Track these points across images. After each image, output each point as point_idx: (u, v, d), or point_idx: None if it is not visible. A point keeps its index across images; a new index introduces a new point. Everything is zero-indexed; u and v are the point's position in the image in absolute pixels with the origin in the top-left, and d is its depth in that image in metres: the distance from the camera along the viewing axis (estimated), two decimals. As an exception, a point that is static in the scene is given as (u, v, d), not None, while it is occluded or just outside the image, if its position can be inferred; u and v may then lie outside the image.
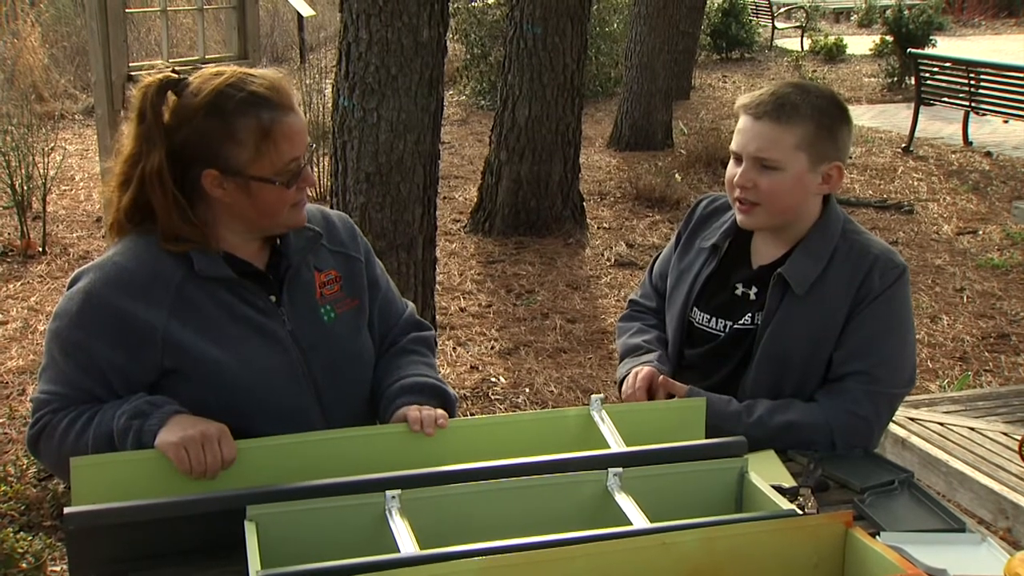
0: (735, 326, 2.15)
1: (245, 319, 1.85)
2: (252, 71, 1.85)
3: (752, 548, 1.50)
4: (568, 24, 7.14)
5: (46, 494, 3.63)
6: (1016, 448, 3.11)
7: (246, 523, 1.47)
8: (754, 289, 2.14)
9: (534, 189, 7.35)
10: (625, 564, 1.44)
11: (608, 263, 6.85)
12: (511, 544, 1.44)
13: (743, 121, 2.08)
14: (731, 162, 2.12)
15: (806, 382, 2.10)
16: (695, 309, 2.20)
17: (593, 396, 1.89)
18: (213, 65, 1.95)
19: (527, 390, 4.93)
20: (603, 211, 8.10)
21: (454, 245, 7.16)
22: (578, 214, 7.56)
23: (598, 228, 7.63)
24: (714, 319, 2.18)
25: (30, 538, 3.34)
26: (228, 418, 1.76)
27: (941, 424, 3.37)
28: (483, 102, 12.74)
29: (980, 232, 7.49)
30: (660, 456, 1.70)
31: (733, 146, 2.10)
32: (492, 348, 5.43)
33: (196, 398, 1.80)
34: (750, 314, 2.13)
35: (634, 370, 2.14)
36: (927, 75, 10.36)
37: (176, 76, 1.83)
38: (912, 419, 3.35)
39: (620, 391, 2.19)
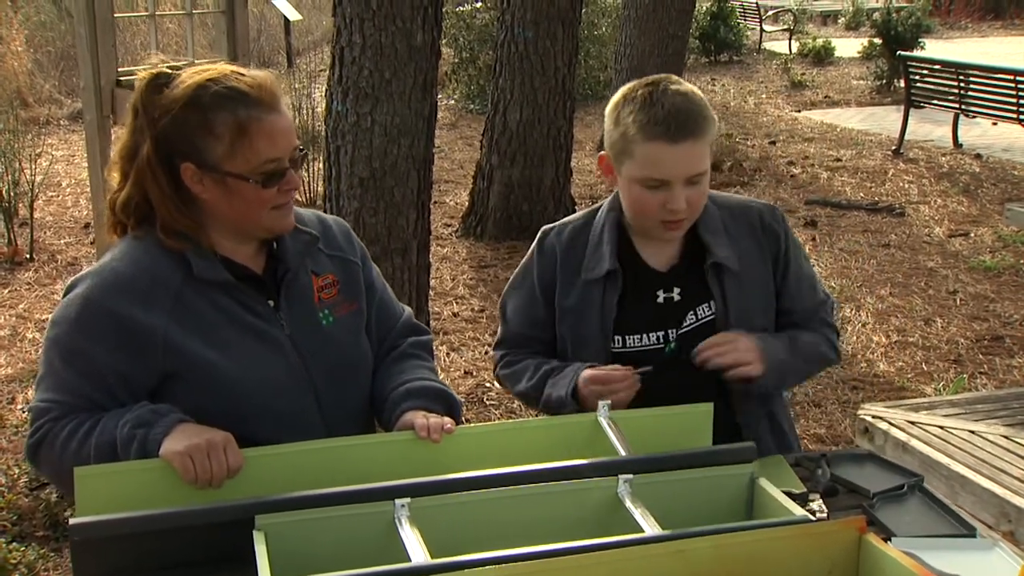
0: (686, 328, 2.09)
1: (244, 323, 1.84)
2: (243, 69, 1.84)
3: (766, 555, 1.48)
4: (559, 28, 7.13)
5: (38, 504, 3.59)
6: None
7: (255, 533, 1.45)
8: (676, 290, 2.11)
9: (526, 193, 7.33)
10: (639, 572, 1.42)
11: (601, 267, 6.83)
12: (523, 552, 1.41)
13: (658, 148, 1.96)
14: (640, 190, 2.01)
15: None
16: (617, 338, 2.11)
17: (600, 402, 1.87)
18: (208, 62, 1.94)
19: (522, 395, 4.90)
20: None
21: (446, 250, 7.13)
22: (570, 218, 7.54)
23: (590, 232, 7.61)
24: (645, 335, 2.11)
25: (23, 548, 3.31)
26: (227, 423, 1.74)
27: (941, 427, 3.36)
28: (472, 106, 12.73)
29: (972, 234, 7.51)
30: (670, 462, 1.68)
31: (653, 174, 1.98)
32: (486, 353, 5.40)
33: (195, 403, 1.78)
34: (692, 312, 2.10)
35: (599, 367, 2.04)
36: (916, 78, 10.40)
37: (169, 71, 1.82)
38: (912, 423, 3.34)
39: (557, 408, 2.07)
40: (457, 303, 6.14)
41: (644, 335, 2.11)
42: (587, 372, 2.01)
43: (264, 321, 1.86)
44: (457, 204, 8.18)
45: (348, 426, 1.90)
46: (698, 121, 1.98)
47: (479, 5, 13.37)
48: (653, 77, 2.06)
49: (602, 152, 2.10)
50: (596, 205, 2.23)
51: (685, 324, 2.10)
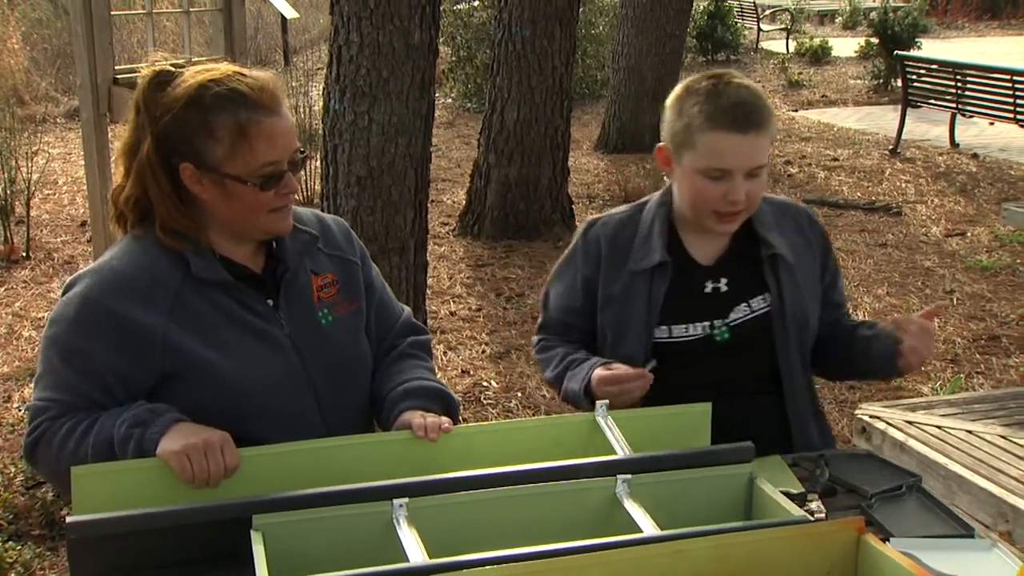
0: (739, 319, 2.13)
1: (243, 323, 1.84)
2: (245, 70, 1.84)
3: (765, 556, 1.48)
4: (556, 27, 7.13)
5: (35, 503, 3.58)
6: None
7: (253, 533, 1.44)
8: (723, 280, 2.15)
9: (523, 192, 7.33)
10: (637, 572, 1.42)
11: (598, 266, 6.83)
12: (522, 553, 1.41)
13: (723, 138, 2.00)
14: (701, 181, 2.05)
15: (812, 342, 2.23)
16: (663, 328, 2.14)
17: (598, 402, 1.87)
18: (210, 60, 1.93)
19: (519, 394, 4.90)
20: (592, 214, 8.07)
21: (443, 249, 7.13)
22: (567, 217, 7.55)
23: (587, 231, 7.61)
24: (691, 326, 2.14)
25: (19, 547, 3.31)
26: (226, 423, 1.74)
27: (939, 427, 3.36)
28: (470, 105, 12.74)
29: (969, 234, 7.51)
30: (669, 461, 1.68)
31: (716, 164, 2.02)
32: (483, 352, 5.40)
33: (194, 402, 1.78)
34: (744, 304, 2.14)
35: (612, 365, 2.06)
36: (913, 77, 10.40)
37: (171, 69, 1.82)
38: (910, 422, 3.35)
39: (574, 401, 2.12)
40: (454, 302, 6.14)
41: (690, 325, 2.14)
42: (599, 373, 2.02)
43: (263, 321, 1.85)
44: (454, 203, 8.18)
45: (347, 426, 1.90)
46: (762, 113, 2.03)
47: (476, 3, 13.37)
48: (716, 71, 2.10)
49: (660, 144, 2.14)
50: (642, 200, 2.27)
51: (736, 315, 2.14)
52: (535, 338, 2.34)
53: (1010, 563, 1.68)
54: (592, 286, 2.20)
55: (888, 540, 1.70)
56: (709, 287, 2.15)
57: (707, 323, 2.14)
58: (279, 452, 1.72)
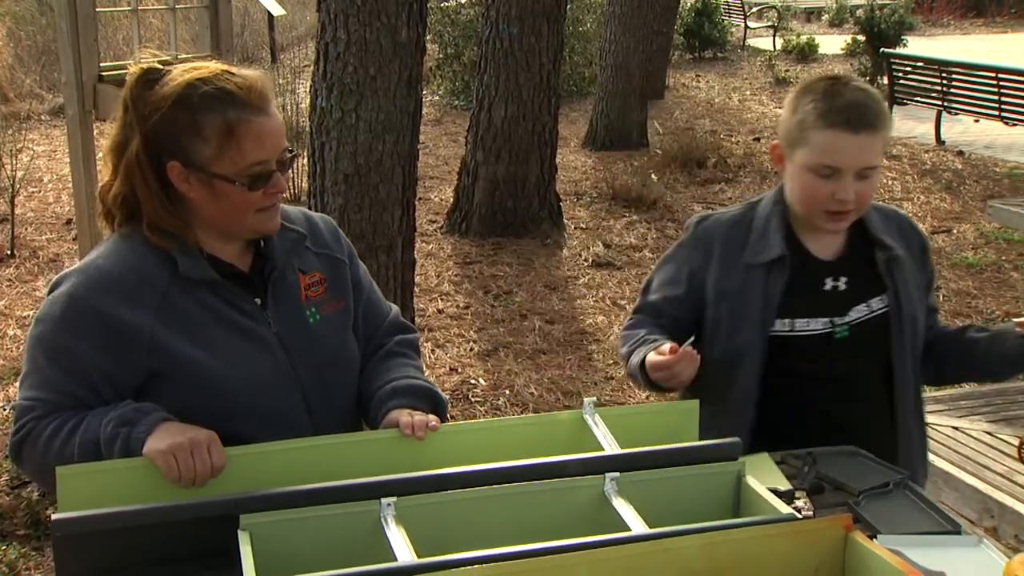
0: (859, 318, 2.16)
1: (230, 322, 1.83)
2: (234, 68, 1.83)
3: (753, 553, 1.48)
4: (544, 24, 7.13)
5: (20, 502, 3.57)
6: (1016, 454, 3.11)
7: (240, 533, 1.44)
8: (843, 279, 2.17)
9: (511, 189, 7.33)
10: (626, 571, 1.42)
11: (586, 264, 6.84)
12: (511, 551, 1.41)
13: (836, 137, 2.03)
14: (812, 178, 2.07)
15: (921, 345, 2.25)
16: (786, 321, 2.16)
17: (586, 399, 1.87)
18: (198, 59, 1.92)
19: (507, 392, 4.91)
20: (580, 211, 8.10)
21: (431, 246, 7.13)
22: (555, 214, 7.56)
23: (575, 228, 7.63)
24: (812, 320, 2.16)
25: (4, 547, 3.29)
26: (214, 422, 1.73)
27: (925, 424, 3.37)
28: (457, 102, 12.73)
29: (954, 231, 7.55)
30: (657, 458, 1.68)
31: (827, 161, 2.04)
32: (471, 350, 5.40)
33: (181, 402, 1.77)
34: (864, 303, 2.16)
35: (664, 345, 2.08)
36: (900, 75, 10.45)
37: (160, 66, 1.81)
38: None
39: (637, 375, 2.13)
40: (442, 300, 6.14)
41: (811, 320, 2.15)
42: (651, 359, 2.05)
43: (251, 319, 1.85)
44: (442, 200, 8.17)
45: (335, 425, 1.89)
46: (877, 115, 2.05)
47: (463, 1, 13.35)
48: (835, 74, 2.12)
49: (775, 141, 2.17)
50: (752, 199, 2.29)
51: (855, 314, 2.16)
52: (628, 318, 2.37)
53: (996, 559, 1.69)
54: (697, 279, 2.22)
55: (875, 537, 1.70)
56: (829, 285, 2.17)
57: (828, 319, 2.15)
58: (266, 451, 1.71)
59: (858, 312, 2.16)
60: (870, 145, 2.04)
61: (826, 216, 2.10)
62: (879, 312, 2.17)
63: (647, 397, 4.83)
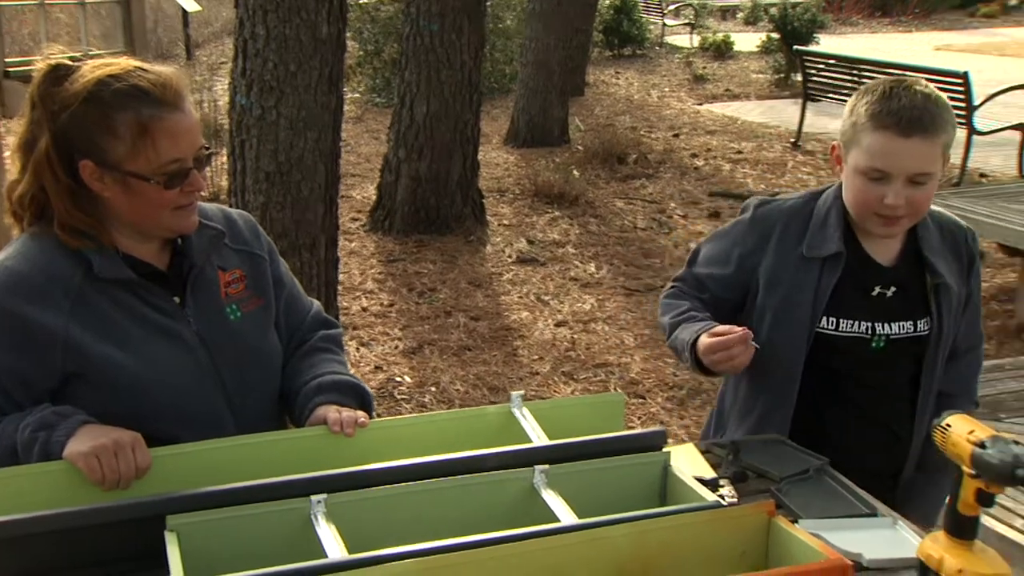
0: (898, 335, 2.13)
1: (148, 321, 1.80)
2: (148, 65, 1.80)
3: (680, 540, 1.51)
4: (465, 21, 7.13)
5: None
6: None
7: (167, 534, 1.42)
8: (892, 289, 2.13)
9: (434, 187, 7.32)
10: (556, 562, 1.44)
11: (510, 260, 6.87)
12: (441, 545, 1.42)
13: (886, 140, 1.98)
14: (862, 181, 2.03)
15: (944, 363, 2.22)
16: (825, 319, 2.13)
17: (513, 393, 1.88)
18: (109, 55, 1.89)
19: (433, 389, 4.90)
20: (503, 208, 8.12)
21: (353, 244, 7.08)
22: (478, 211, 7.57)
23: (498, 225, 7.64)
24: (856, 323, 2.13)
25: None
26: (135, 423, 1.70)
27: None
28: (377, 99, 12.66)
29: (867, 224, 7.74)
30: (585, 449, 1.70)
31: (876, 164, 2.00)
32: (396, 347, 5.39)
33: (101, 404, 1.74)
34: (909, 322, 2.13)
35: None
36: (813, 72, 10.67)
37: (68, 63, 1.77)
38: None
39: (686, 352, 2.09)
40: (366, 298, 6.11)
41: (856, 322, 2.13)
42: (705, 340, 2.01)
43: (170, 318, 1.82)
44: (364, 198, 8.12)
45: (258, 422, 1.88)
46: (933, 120, 1.98)
47: (383, -3, 13.27)
48: (899, 78, 2.07)
49: (835, 141, 2.13)
50: (815, 189, 2.23)
51: (899, 329, 2.13)
52: (669, 284, 2.32)
53: (910, 539, 1.75)
54: (749, 263, 2.19)
55: (797, 521, 1.75)
56: (876, 291, 2.13)
57: (869, 324, 2.12)
58: (192, 451, 1.69)
59: (902, 328, 2.13)
60: (922, 151, 1.98)
61: (877, 220, 2.06)
62: (920, 335, 2.14)
63: (572, 392, 4.88)
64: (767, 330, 2.15)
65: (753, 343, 1.99)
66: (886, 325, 2.12)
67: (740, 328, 1.99)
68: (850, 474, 1.97)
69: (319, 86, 4.22)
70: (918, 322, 2.13)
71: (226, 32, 16.67)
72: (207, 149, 1.82)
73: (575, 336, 5.58)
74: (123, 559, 1.47)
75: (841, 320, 2.13)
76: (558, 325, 5.74)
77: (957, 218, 2.23)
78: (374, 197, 7.68)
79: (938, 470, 2.14)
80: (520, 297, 6.18)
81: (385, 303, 6.04)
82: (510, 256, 6.93)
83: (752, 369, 2.08)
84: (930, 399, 2.18)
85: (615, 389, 4.87)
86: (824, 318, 2.12)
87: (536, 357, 5.30)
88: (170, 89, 1.75)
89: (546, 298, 6.16)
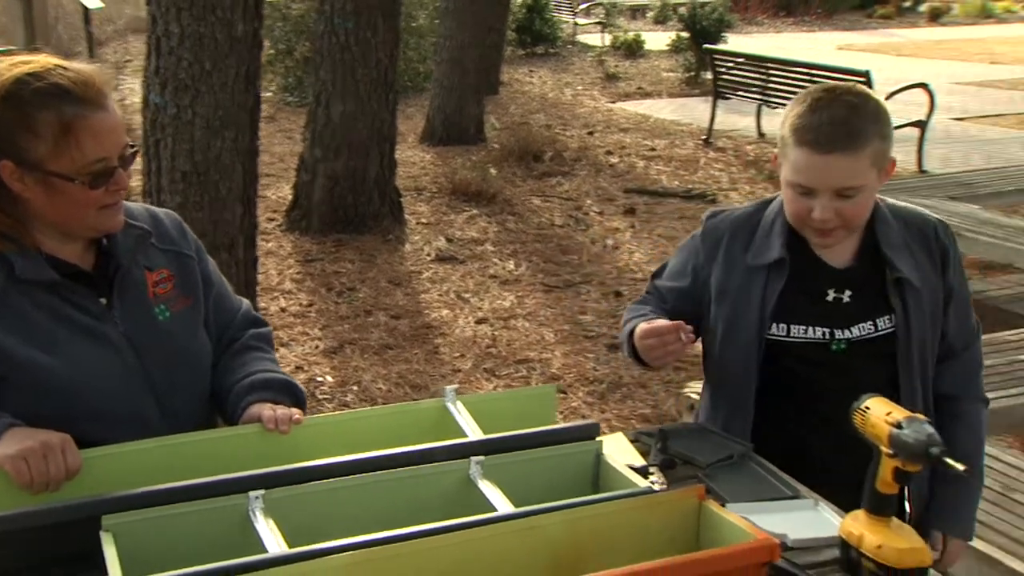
0: (858, 336, 2.09)
1: (74, 323, 1.78)
2: (67, 63, 1.77)
3: (614, 526, 1.55)
4: (380, 19, 7.11)
5: None
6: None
7: (103, 534, 1.41)
8: (847, 292, 2.10)
9: (351, 186, 7.28)
10: (494, 550, 1.46)
11: (428, 258, 6.87)
12: (380, 537, 1.43)
13: (806, 156, 1.95)
14: (792, 193, 2.02)
15: (933, 364, 2.16)
16: (776, 325, 2.10)
17: (447, 387, 1.90)
18: (26, 52, 1.85)
19: (355, 388, 4.89)
20: (420, 207, 8.11)
21: (270, 244, 7.01)
22: (396, 210, 7.55)
23: (416, 224, 7.64)
24: (810, 328, 2.09)
25: None
26: (64, 425, 1.68)
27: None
28: (290, 98, 12.52)
29: (777, 219, 7.93)
30: (520, 441, 1.73)
31: (799, 180, 1.98)
32: (316, 347, 5.36)
33: (28, 407, 1.71)
34: (870, 322, 2.09)
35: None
36: (722, 70, 10.88)
37: None
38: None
39: (624, 345, 2.13)
40: (284, 298, 6.05)
41: (810, 328, 2.09)
42: (642, 326, 2.01)
43: (97, 319, 1.80)
44: (279, 198, 8.04)
45: (188, 422, 1.87)
46: (854, 134, 1.94)
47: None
48: (836, 84, 2.03)
49: (776, 150, 2.10)
50: (767, 198, 2.22)
51: (859, 331, 2.09)
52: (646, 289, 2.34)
53: (831, 519, 1.82)
54: (702, 275, 2.19)
55: (725, 505, 1.79)
56: (831, 296, 2.10)
57: (827, 329, 2.08)
58: (124, 452, 1.67)
59: (862, 330, 2.09)
60: (845, 165, 1.94)
61: (811, 231, 2.05)
62: (885, 332, 2.09)
63: (494, 388, 4.91)
64: (720, 340, 2.15)
65: (690, 335, 1.99)
66: (845, 329, 2.09)
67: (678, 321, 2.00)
68: (817, 482, 1.95)
69: (236, 85, 4.18)
70: (878, 320, 2.09)
71: (130, 30, 16.28)
72: (131, 147, 1.80)
73: (496, 333, 5.61)
74: (57, 563, 1.45)
75: (792, 326, 2.10)
76: (479, 322, 5.77)
77: (924, 211, 2.19)
78: (290, 197, 7.61)
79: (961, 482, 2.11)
80: (440, 295, 6.19)
81: (304, 303, 6.00)
82: (429, 254, 6.93)
83: (711, 380, 2.13)
84: (916, 399, 2.11)
85: (537, 384, 4.91)
86: (774, 325, 2.10)
87: (457, 354, 5.32)
88: (92, 87, 1.73)
89: (466, 296, 6.19)
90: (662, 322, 2.00)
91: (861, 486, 1.64)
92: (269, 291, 6.10)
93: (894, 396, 1.97)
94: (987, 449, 2.62)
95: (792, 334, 2.10)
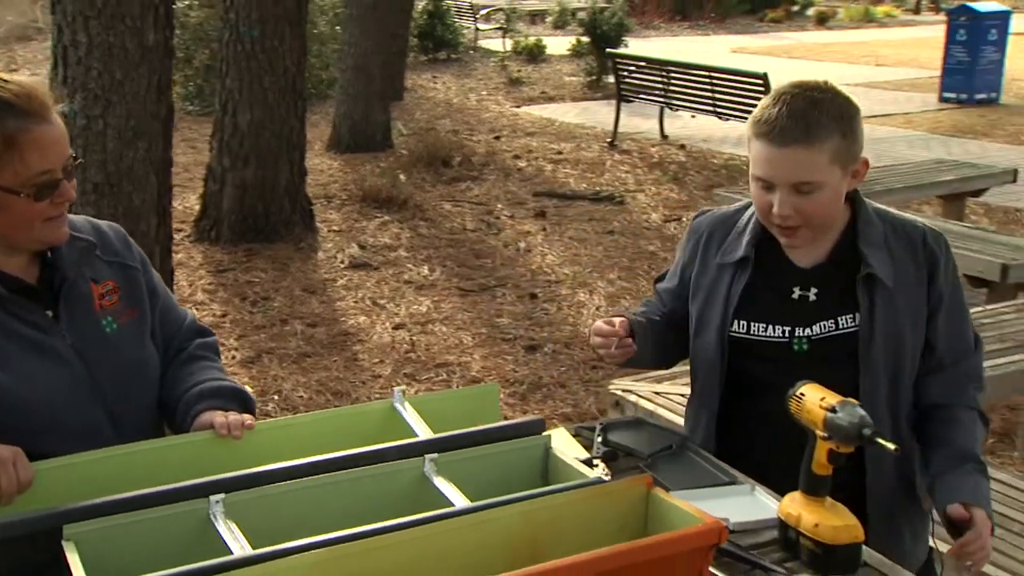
0: (819, 335, 2.06)
1: (21, 336, 1.76)
2: (7, 76, 1.76)
3: (567, 516, 1.59)
4: (286, 27, 7.07)
5: None
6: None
7: (65, 543, 1.40)
8: (813, 291, 2.08)
9: (260, 194, 7.22)
10: (451, 544, 1.49)
11: (342, 265, 6.85)
12: (343, 535, 1.45)
13: (764, 148, 1.96)
14: (756, 188, 2.01)
15: (912, 369, 2.10)
16: (737, 323, 2.11)
17: (396, 388, 1.94)
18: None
19: (276, 397, 4.86)
20: (331, 214, 8.08)
21: (180, 255, 6.89)
22: (307, 218, 7.51)
23: (328, 231, 7.61)
24: (771, 327, 2.09)
25: None
26: (14, 439, 1.66)
27: (682, 395, 3.65)
28: (191, 107, 12.32)
29: (684, 219, 8.11)
30: (470, 439, 1.77)
31: (759, 173, 1.99)
32: (233, 358, 5.30)
33: None
34: (832, 320, 2.06)
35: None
36: (625, 74, 11.08)
37: None
38: (657, 393, 3.61)
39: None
40: (198, 309, 5.97)
41: (770, 326, 2.09)
42: (597, 323, 2.05)
43: (45, 333, 1.79)
44: (186, 208, 7.91)
45: (138, 433, 1.85)
46: (811, 129, 1.92)
47: (190, 2, 12.88)
48: (807, 80, 2.01)
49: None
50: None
51: (820, 329, 2.07)
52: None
53: (768, 502, 1.90)
54: (687, 274, 2.23)
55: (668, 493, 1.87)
56: (797, 294, 2.09)
57: (788, 328, 2.08)
58: (77, 462, 1.66)
59: (823, 328, 2.07)
60: (801, 159, 1.93)
61: (775, 228, 2.04)
62: (847, 331, 2.06)
63: (415, 393, 4.92)
64: (692, 338, 2.20)
65: (627, 347, 2.02)
66: (806, 327, 2.07)
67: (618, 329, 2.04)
68: (769, 478, 1.97)
69: (148, 95, 4.13)
70: (841, 318, 2.06)
71: (13, 37, 15.79)
72: (75, 158, 1.79)
73: (414, 338, 5.63)
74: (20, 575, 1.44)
75: (753, 324, 2.10)
76: (396, 328, 5.78)
77: (916, 219, 2.16)
78: (197, 207, 7.51)
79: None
80: (356, 302, 6.19)
81: (218, 313, 5.93)
82: (342, 261, 6.92)
83: (691, 377, 2.22)
84: (878, 400, 2.04)
85: (457, 387, 4.95)
86: (735, 322, 2.11)
87: (377, 360, 5.32)
88: (35, 100, 1.72)
89: (382, 302, 6.19)
90: (607, 326, 2.03)
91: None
92: (182, 302, 5.96)
93: (855, 398, 1.87)
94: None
95: (752, 332, 2.10)
